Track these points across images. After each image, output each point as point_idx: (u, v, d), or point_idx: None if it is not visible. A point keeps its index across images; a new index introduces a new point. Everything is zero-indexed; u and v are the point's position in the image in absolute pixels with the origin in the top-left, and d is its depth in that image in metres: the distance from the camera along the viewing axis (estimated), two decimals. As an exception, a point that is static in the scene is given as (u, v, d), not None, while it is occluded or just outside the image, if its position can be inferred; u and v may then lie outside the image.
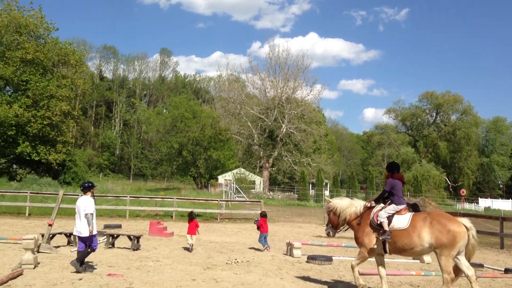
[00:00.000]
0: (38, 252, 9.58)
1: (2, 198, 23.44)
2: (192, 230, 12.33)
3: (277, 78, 54.85)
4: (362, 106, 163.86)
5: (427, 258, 12.02)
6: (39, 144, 34.24)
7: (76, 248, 9.23)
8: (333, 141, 73.19)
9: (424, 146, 79.23)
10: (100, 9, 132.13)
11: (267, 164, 53.45)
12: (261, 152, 54.35)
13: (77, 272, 8.49)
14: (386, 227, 7.42)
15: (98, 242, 12.80)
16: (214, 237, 16.05)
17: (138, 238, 12.22)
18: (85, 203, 8.80)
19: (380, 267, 7.90)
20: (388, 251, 7.53)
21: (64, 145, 36.12)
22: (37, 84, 33.36)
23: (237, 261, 10.81)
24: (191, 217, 12.56)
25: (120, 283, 7.91)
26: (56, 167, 35.49)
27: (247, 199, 34.05)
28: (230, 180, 46.07)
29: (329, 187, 51.51)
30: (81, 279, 8.09)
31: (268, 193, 46.61)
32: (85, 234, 8.67)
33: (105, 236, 12.78)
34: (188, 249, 12.21)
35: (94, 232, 8.85)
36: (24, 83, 33.82)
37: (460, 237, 6.98)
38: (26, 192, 23.02)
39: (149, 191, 44.66)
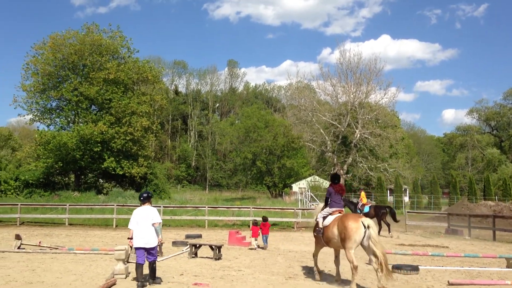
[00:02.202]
0: (128, 262, 10.03)
1: (91, 211, 24.92)
2: (255, 234, 14.97)
3: (349, 83, 53.83)
4: (440, 108, 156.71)
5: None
6: (123, 158, 36.04)
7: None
8: (410, 145, 70.37)
9: (511, 146, 73.86)
10: (173, 27, 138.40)
11: (341, 171, 52.46)
12: (335, 159, 53.50)
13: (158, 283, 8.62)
14: (319, 225, 9.42)
15: (182, 251, 13.26)
16: (292, 246, 15.95)
17: (219, 248, 12.45)
18: (151, 213, 8.58)
19: (335, 258, 9.65)
20: (325, 243, 9.31)
21: (145, 159, 37.76)
22: (119, 102, 35.20)
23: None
24: (253, 223, 15.53)
25: (206, 292, 8.07)
26: (138, 180, 37.17)
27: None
28: (305, 188, 45.76)
29: (409, 193, 49.48)
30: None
31: (344, 201, 45.68)
32: (153, 244, 8.51)
33: (188, 246, 13.15)
34: (253, 249, 14.52)
35: (155, 244, 8.60)
36: (108, 101, 35.84)
37: (353, 232, 8.32)
38: (113, 205, 24.30)
39: (225, 201, 45.55)
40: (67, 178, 38.63)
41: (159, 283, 8.59)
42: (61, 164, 35.12)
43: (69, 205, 24.38)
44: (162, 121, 79.73)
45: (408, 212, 25.23)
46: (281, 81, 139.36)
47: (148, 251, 8.51)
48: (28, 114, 37.30)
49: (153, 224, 8.50)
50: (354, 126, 52.56)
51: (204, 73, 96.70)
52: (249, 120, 54.36)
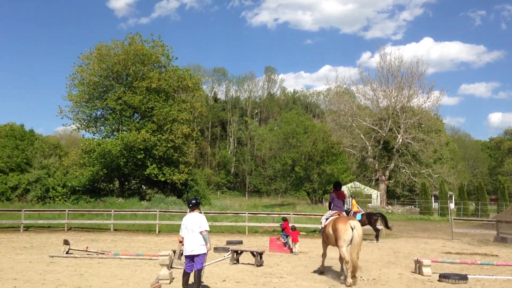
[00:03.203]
0: (171, 267, 10.17)
1: (135, 217, 25.43)
2: (296, 238, 15.47)
3: (390, 87, 52.84)
4: (486, 111, 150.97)
5: None
6: (164, 165, 36.70)
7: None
8: (455, 149, 68.13)
9: None
10: (212, 35, 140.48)
11: (383, 177, 51.44)
12: (376, 165, 52.51)
13: None
14: (322, 225, 10.94)
15: (224, 257, 13.32)
16: (334, 253, 15.61)
17: (261, 254, 12.44)
18: (199, 221, 8.38)
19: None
20: (326, 239, 10.80)
21: (186, 166, 38.30)
22: (161, 110, 35.91)
23: (363, 279, 10.44)
24: (293, 228, 15.99)
25: (249, 299, 8.05)
26: (179, 187, 37.73)
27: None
28: (345, 194, 45.08)
29: (454, 199, 47.84)
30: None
31: (387, 207, 44.72)
32: (200, 251, 8.31)
33: (229, 252, 13.21)
34: (294, 253, 15.09)
35: (203, 251, 8.38)
36: (150, 109, 36.66)
37: (342, 232, 9.65)
38: (155, 211, 24.69)
39: (265, 207, 45.50)
40: (111, 185, 39.66)
41: None
42: (106, 171, 36.10)
43: (114, 211, 24.92)
44: (202, 128, 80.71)
45: (454, 219, 24.37)
46: (319, 87, 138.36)
47: (195, 258, 8.35)
48: (73, 124, 38.57)
49: (200, 232, 8.33)
50: (396, 131, 51.47)
51: (242, 80, 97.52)
52: (288, 126, 54.24)
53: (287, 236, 16.01)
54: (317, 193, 51.73)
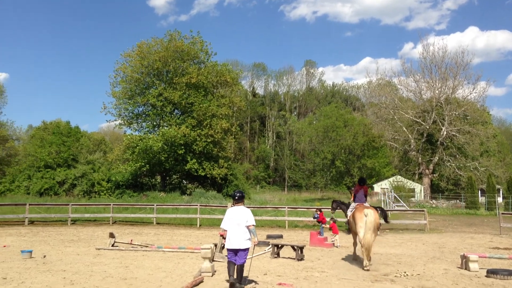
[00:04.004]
0: (213, 260, 10.27)
1: (176, 211, 25.91)
2: (336, 230, 16.11)
3: (434, 78, 51.10)
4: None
5: None
6: (204, 160, 37.17)
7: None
8: (503, 141, 65.44)
9: None
10: (251, 30, 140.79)
11: (427, 171, 50.03)
12: (420, 158, 51.11)
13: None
14: (347, 217, 12.03)
15: (264, 251, 13.35)
16: (376, 248, 15.40)
17: (301, 248, 12.38)
18: (246, 215, 8.15)
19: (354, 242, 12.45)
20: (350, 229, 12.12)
21: (226, 160, 38.65)
22: (201, 106, 36.34)
23: (407, 274, 10.20)
24: (333, 220, 16.75)
25: (291, 293, 8.02)
26: (219, 181, 38.14)
27: (408, 208, 32.21)
28: (387, 188, 44.27)
29: (502, 193, 45.96)
30: (255, 287, 8.44)
31: (431, 201, 43.49)
32: (244, 246, 8.06)
33: (270, 246, 13.22)
34: (334, 245, 15.43)
35: (249, 245, 8.15)
36: (190, 105, 37.16)
37: (358, 219, 10.89)
38: (196, 205, 25.10)
39: (304, 201, 45.33)
40: (153, 179, 40.56)
41: (245, 283, 8.54)
42: (148, 166, 36.92)
43: (157, 205, 25.52)
44: (241, 123, 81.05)
45: (502, 213, 23.42)
46: (360, 79, 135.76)
47: (239, 252, 8.10)
48: (116, 120, 39.64)
49: (248, 227, 8.11)
50: (440, 123, 49.85)
51: (281, 74, 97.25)
52: (328, 120, 53.78)
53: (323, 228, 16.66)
54: (358, 187, 51.02)
